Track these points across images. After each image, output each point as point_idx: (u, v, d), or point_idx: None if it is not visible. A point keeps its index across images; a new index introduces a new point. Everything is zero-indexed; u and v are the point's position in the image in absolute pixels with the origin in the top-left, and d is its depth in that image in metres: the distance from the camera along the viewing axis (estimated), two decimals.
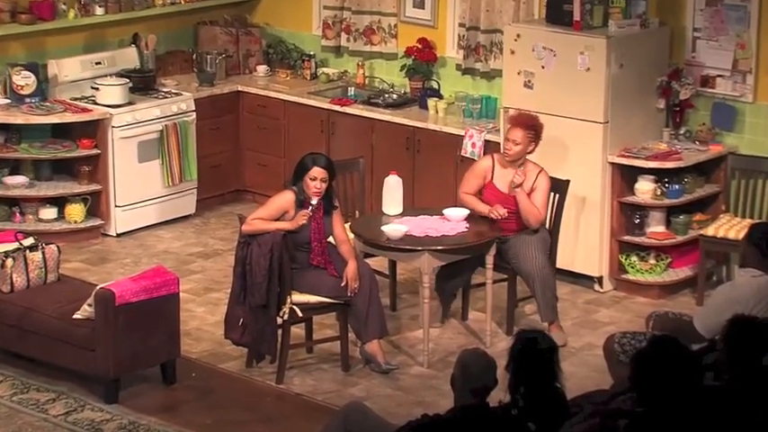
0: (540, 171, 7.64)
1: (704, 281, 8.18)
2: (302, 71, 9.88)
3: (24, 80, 9.02)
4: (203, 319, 7.96)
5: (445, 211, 7.58)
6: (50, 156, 8.98)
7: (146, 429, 6.66)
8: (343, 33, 9.78)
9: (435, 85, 9.35)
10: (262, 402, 6.98)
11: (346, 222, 7.51)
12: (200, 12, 10.03)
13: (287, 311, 7.08)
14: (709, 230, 8.14)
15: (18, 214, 8.98)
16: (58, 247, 7.44)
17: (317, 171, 7.07)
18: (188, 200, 9.54)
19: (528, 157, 7.67)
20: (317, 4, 9.95)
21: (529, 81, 8.31)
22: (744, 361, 5.15)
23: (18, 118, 8.91)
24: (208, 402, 6.96)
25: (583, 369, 7.24)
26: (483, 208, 7.59)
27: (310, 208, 7.07)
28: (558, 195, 7.80)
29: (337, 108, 9.29)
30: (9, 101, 9.04)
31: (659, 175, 8.19)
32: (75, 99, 9.19)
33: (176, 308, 7.04)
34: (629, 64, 8.19)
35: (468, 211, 7.57)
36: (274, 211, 7.15)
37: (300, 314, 7.14)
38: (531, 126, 7.65)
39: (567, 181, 7.85)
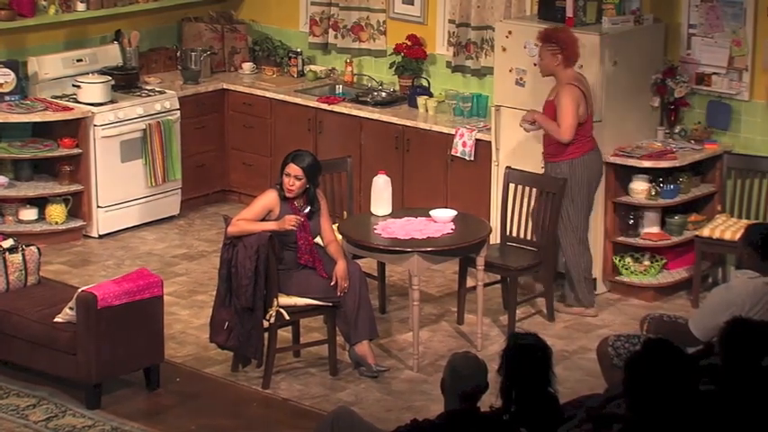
0: (563, 85, 7.66)
1: (699, 283, 8.16)
2: (289, 69, 9.84)
3: (3, 78, 8.98)
4: (188, 323, 7.91)
5: (432, 212, 7.52)
6: (31, 155, 8.94)
7: None
8: (330, 30, 9.74)
9: (425, 83, 9.32)
10: (247, 408, 6.94)
11: (334, 223, 7.42)
12: (184, 8, 10.01)
13: (273, 314, 7.04)
14: (705, 231, 8.08)
15: None
16: (38, 248, 7.41)
17: (290, 168, 7.06)
18: (172, 200, 9.48)
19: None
20: (303, 0, 9.86)
21: (521, 78, 8.26)
22: (741, 364, 5.13)
23: None
24: (192, 408, 6.92)
25: (576, 373, 7.22)
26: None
27: (300, 214, 6.98)
28: (554, 195, 7.72)
29: (325, 106, 9.24)
30: None
31: (654, 174, 8.16)
32: (56, 97, 9.16)
33: (160, 311, 7.00)
34: (622, 61, 8.14)
35: (455, 212, 7.48)
36: (259, 211, 7.09)
37: (287, 317, 7.08)
38: (548, 39, 7.68)
39: (564, 179, 7.78)
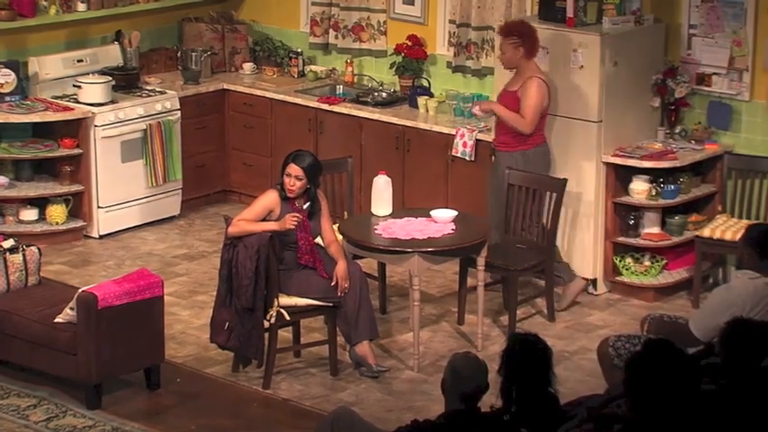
0: (529, 77, 7.79)
1: (700, 283, 8.14)
2: (289, 69, 9.82)
3: (4, 78, 8.97)
4: (188, 323, 7.90)
5: (432, 213, 7.52)
6: (31, 155, 8.92)
7: None
8: (331, 30, 9.73)
9: (425, 84, 9.29)
10: (248, 408, 6.93)
11: (335, 223, 7.42)
12: (184, 8, 9.99)
13: (274, 315, 7.02)
14: (705, 231, 8.07)
15: None
16: (38, 248, 7.40)
17: (291, 168, 7.06)
18: (172, 200, 9.46)
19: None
20: (304, 0, 9.87)
21: None
22: (741, 364, 5.14)
23: None
24: (192, 408, 6.92)
25: (576, 373, 7.21)
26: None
27: (301, 212, 6.98)
28: (555, 195, 7.72)
29: (325, 107, 9.23)
30: None
31: (654, 174, 8.15)
32: (57, 97, 9.15)
33: (160, 311, 7.00)
34: (623, 61, 8.14)
35: (455, 213, 7.45)
36: (260, 211, 7.09)
37: (288, 317, 7.06)
38: (509, 32, 7.85)
39: (565, 180, 7.79)
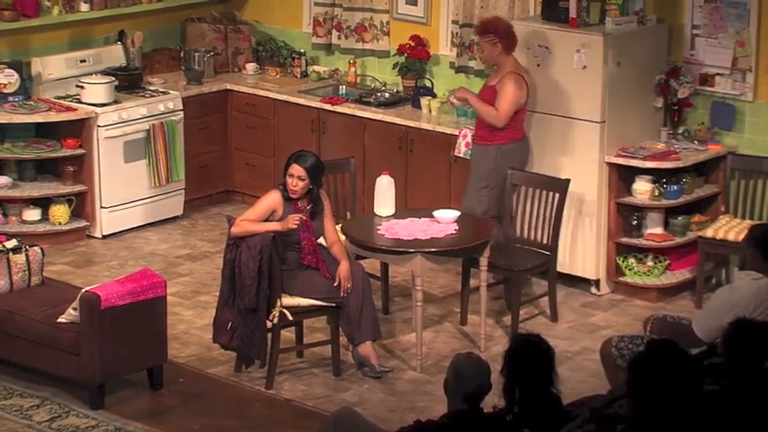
0: (507, 72, 7.87)
1: (703, 283, 8.13)
2: (292, 69, 9.83)
3: (7, 78, 8.97)
4: (191, 323, 7.90)
5: (435, 213, 7.52)
6: (34, 156, 8.93)
7: None
8: (334, 31, 9.73)
9: (428, 84, 9.28)
10: (250, 408, 6.94)
11: (337, 224, 7.42)
12: (187, 8, 10.00)
13: (277, 315, 7.02)
14: (709, 232, 8.06)
15: (1, 215, 8.92)
16: (41, 249, 7.40)
17: (294, 168, 7.06)
18: (175, 201, 9.47)
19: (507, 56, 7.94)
20: (307, 0, 9.87)
21: None
22: (744, 365, 5.14)
23: (1, 117, 8.85)
24: (195, 408, 6.92)
25: (579, 374, 7.21)
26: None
27: (303, 213, 6.98)
28: (557, 195, 7.72)
29: (328, 107, 9.23)
30: None
31: (657, 175, 8.14)
32: (60, 98, 9.15)
33: (163, 311, 7.00)
34: (626, 62, 8.13)
35: (458, 213, 7.45)
36: (263, 212, 7.09)
37: (291, 317, 7.06)
38: (485, 30, 7.95)
39: (568, 180, 7.78)
